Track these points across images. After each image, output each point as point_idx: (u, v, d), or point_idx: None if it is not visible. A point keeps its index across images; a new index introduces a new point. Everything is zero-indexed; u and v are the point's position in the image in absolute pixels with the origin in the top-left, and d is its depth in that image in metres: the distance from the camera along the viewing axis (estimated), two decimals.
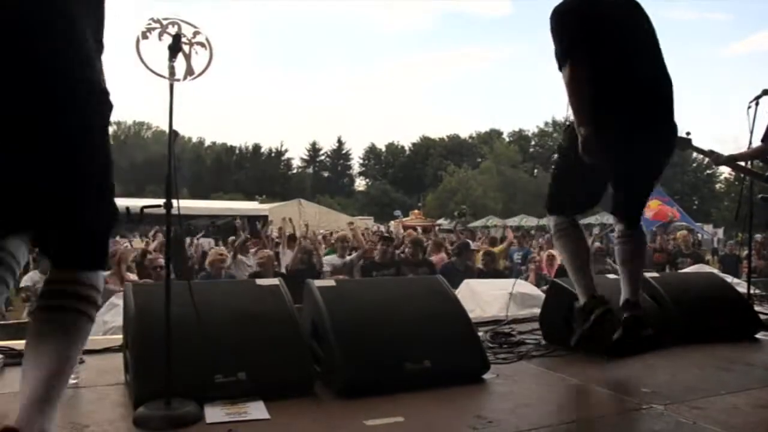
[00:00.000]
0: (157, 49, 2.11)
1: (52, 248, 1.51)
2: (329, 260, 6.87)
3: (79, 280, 1.49)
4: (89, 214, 1.50)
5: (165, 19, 2.15)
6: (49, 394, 1.42)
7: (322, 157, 59.98)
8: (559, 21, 2.51)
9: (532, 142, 56.76)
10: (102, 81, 1.52)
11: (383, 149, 59.77)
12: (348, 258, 6.81)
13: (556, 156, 2.87)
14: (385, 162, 59.28)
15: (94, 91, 1.48)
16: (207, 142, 55.06)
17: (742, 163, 3.94)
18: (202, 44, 2.26)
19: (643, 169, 2.61)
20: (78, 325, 1.48)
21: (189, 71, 2.21)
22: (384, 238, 7.05)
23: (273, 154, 55.90)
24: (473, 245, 9.20)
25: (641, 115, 2.46)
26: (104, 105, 1.51)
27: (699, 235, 18.44)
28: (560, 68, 2.46)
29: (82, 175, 1.47)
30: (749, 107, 3.81)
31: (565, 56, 2.43)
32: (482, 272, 6.57)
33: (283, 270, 6.58)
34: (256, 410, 2.05)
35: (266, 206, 23.33)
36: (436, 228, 23.34)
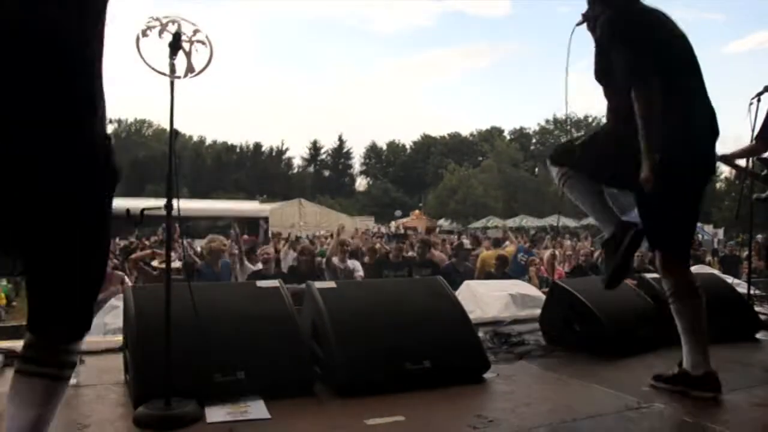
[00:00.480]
0: (157, 47, 2.11)
1: (36, 311, 1.43)
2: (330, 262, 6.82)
3: (64, 349, 1.43)
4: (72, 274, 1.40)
5: (165, 17, 2.15)
6: None
7: (323, 156, 59.98)
8: (639, 32, 2.30)
9: (534, 140, 56.76)
10: (99, 137, 1.42)
11: (384, 148, 59.78)
12: (349, 263, 6.72)
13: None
14: (386, 160, 59.26)
15: (88, 156, 1.39)
16: (208, 141, 55.05)
17: (743, 162, 3.93)
18: (202, 42, 2.26)
19: (695, 205, 2.47)
20: (57, 390, 1.43)
21: (189, 69, 2.21)
22: (397, 236, 7.07)
23: (274, 153, 55.90)
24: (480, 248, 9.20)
25: (698, 145, 2.33)
26: (96, 175, 1.41)
27: (699, 236, 18.44)
28: (635, 83, 2.21)
29: (63, 237, 1.37)
30: (750, 104, 3.80)
31: (648, 72, 2.21)
32: (493, 275, 6.63)
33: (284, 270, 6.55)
34: (257, 410, 2.05)
35: (267, 206, 23.33)
36: (437, 229, 23.37)
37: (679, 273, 2.43)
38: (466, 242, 10.17)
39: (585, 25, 2.52)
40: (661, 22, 2.40)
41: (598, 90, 2.50)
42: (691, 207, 2.44)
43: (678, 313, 2.43)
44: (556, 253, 7.72)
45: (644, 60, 2.24)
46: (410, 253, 7.45)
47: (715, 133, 2.43)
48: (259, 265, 6.47)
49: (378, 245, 8.91)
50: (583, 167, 2.47)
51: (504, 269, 6.97)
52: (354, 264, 6.77)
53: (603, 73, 2.44)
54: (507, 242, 9.71)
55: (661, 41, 2.33)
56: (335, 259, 6.58)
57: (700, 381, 2.29)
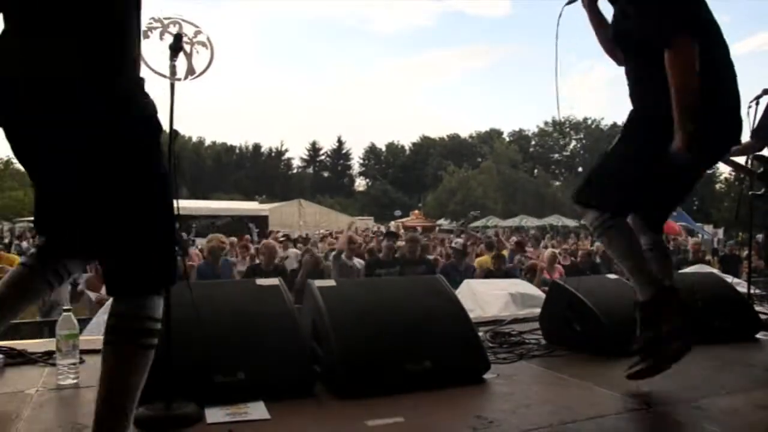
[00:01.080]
0: (158, 49, 2.11)
1: (109, 277, 1.56)
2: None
3: (133, 313, 1.52)
4: (131, 240, 1.50)
5: (166, 18, 2.15)
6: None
7: (322, 157, 60.03)
8: None
9: (532, 142, 56.79)
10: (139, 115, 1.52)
11: (383, 149, 59.81)
12: (356, 261, 6.70)
13: (616, 146, 2.26)
14: (385, 162, 59.29)
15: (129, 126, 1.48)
16: (207, 142, 55.04)
17: (741, 160, 3.94)
18: (203, 44, 2.26)
19: (695, 174, 2.33)
20: (136, 358, 1.53)
21: (190, 71, 2.21)
22: (388, 234, 7.04)
23: (273, 154, 55.93)
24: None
25: (727, 120, 2.16)
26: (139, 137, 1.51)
27: (699, 235, 18.48)
28: (665, 40, 1.95)
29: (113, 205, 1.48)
30: (749, 107, 3.81)
31: (682, 26, 1.94)
32: (492, 273, 6.64)
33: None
34: (257, 410, 2.05)
35: (266, 206, 23.35)
36: (437, 228, 23.37)
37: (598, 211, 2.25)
38: (460, 241, 10.17)
39: (580, 2, 2.39)
40: None
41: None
42: (684, 183, 2.32)
43: (611, 241, 2.24)
44: (557, 252, 7.73)
45: (684, 14, 1.98)
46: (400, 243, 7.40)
47: (739, 104, 2.22)
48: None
49: (374, 245, 8.91)
50: (627, 205, 2.26)
51: (504, 267, 7.01)
52: (361, 263, 6.76)
53: (624, 34, 2.19)
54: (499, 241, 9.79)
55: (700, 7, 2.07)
56: (343, 256, 6.56)
57: (658, 302, 2.14)
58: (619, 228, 2.25)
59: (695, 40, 1.97)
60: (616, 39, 2.27)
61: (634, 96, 2.27)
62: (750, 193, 4.04)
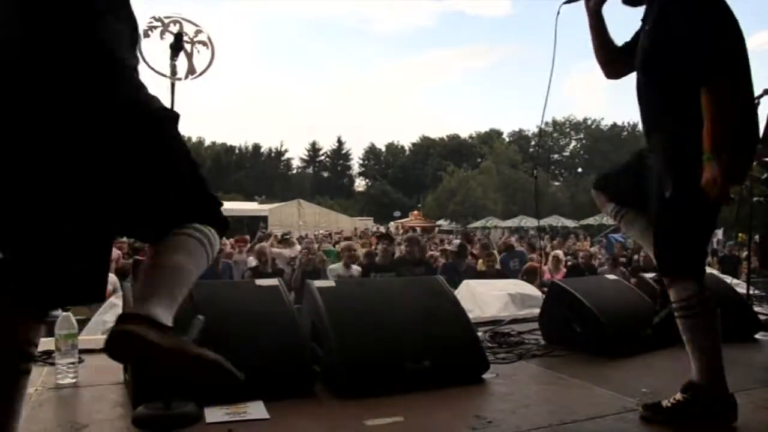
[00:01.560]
0: (158, 48, 2.12)
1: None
2: (334, 269, 6.80)
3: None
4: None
5: (167, 17, 2.15)
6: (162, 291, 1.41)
7: (322, 158, 59.99)
8: (718, 21, 1.93)
9: (532, 143, 56.75)
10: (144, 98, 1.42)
11: (383, 149, 59.78)
12: (354, 268, 6.67)
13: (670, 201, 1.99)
14: (385, 162, 59.24)
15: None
16: (207, 142, 54.94)
17: None
18: (203, 43, 2.27)
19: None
20: (195, 247, 1.47)
21: (191, 70, 2.21)
22: (382, 236, 6.99)
23: (273, 154, 55.91)
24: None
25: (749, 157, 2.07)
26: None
27: None
28: (708, 76, 1.86)
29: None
30: None
31: (727, 67, 1.88)
32: (484, 273, 6.59)
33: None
34: (256, 410, 2.05)
35: (266, 206, 23.38)
36: (436, 229, 23.38)
37: (695, 284, 2.05)
38: (456, 242, 10.17)
39: (583, 3, 2.27)
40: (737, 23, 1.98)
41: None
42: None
43: (693, 328, 2.06)
44: (560, 254, 7.71)
45: (729, 53, 1.91)
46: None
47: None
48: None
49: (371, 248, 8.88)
50: (618, 195, 2.24)
51: (496, 267, 7.00)
52: (359, 270, 6.74)
53: (656, 58, 2.03)
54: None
55: (739, 31, 1.95)
56: (340, 265, 6.56)
57: (719, 403, 2.00)
58: (633, 212, 2.22)
59: (732, 78, 1.88)
60: (645, 63, 2.09)
61: (658, 124, 2.10)
62: (755, 200, 4.03)
